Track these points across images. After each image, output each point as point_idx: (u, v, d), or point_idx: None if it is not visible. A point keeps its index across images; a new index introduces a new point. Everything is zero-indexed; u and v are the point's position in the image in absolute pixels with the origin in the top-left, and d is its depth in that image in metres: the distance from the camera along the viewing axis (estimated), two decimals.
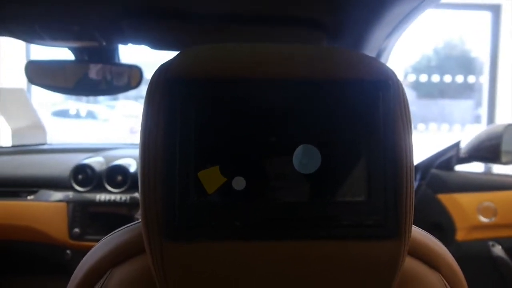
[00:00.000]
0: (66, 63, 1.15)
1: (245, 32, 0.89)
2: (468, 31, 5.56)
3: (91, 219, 1.34)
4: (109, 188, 1.35)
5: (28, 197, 1.39)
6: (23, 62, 1.14)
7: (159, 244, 0.36)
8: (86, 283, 0.45)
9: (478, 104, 5.18)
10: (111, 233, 0.50)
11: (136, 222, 0.49)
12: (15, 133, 2.88)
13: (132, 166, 1.40)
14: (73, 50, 1.15)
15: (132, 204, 1.34)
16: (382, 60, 0.92)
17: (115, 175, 1.36)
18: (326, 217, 0.37)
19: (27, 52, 3.55)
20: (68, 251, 1.37)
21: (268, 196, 0.37)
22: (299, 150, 0.37)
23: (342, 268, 0.38)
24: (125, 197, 1.33)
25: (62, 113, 7.57)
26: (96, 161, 1.41)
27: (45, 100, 6.86)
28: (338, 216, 0.37)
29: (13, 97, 2.87)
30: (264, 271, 0.38)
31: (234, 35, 0.92)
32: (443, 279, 0.46)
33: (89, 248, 1.41)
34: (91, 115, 7.92)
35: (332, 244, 0.37)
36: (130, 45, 1.07)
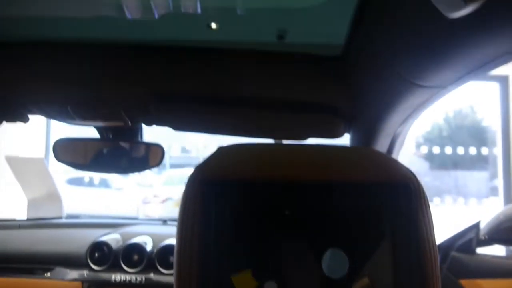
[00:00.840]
0: (91, 142, 1.18)
1: (265, 117, 0.92)
2: (478, 101, 5.65)
3: None
4: (125, 267, 1.32)
5: (45, 275, 1.36)
6: (43, 128, 1.18)
7: None
8: None
9: (493, 176, 5.13)
10: None
11: None
12: (31, 203, 2.90)
13: (149, 244, 1.38)
14: (99, 128, 1.19)
15: (148, 285, 1.31)
16: (398, 143, 0.92)
17: (132, 254, 1.34)
18: None
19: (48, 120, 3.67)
20: None
21: None
22: (327, 254, 0.37)
23: None
24: (140, 277, 1.30)
25: (77, 181, 7.65)
26: (113, 239, 1.40)
27: (61, 167, 6.97)
28: None
29: (32, 167, 2.92)
30: None
31: (254, 119, 0.94)
32: None
33: None
34: (104, 183, 7.98)
35: None
36: (154, 126, 1.10)
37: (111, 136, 1.20)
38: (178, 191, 6.76)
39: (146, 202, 6.64)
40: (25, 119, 1.13)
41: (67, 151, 1.20)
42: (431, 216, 0.39)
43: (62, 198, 2.73)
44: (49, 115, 1.12)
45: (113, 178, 8.43)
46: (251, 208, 0.38)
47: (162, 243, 1.35)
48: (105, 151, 1.21)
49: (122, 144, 1.19)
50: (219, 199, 0.37)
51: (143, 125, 1.20)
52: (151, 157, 1.20)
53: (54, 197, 2.84)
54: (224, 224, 0.37)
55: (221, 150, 0.41)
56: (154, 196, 6.74)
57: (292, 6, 0.68)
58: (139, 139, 1.18)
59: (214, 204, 0.37)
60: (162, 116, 0.98)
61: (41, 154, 3.50)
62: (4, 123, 1.15)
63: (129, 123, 1.11)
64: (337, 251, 0.37)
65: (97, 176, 8.42)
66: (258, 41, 0.82)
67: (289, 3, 0.67)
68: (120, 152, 1.19)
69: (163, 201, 6.38)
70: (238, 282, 0.36)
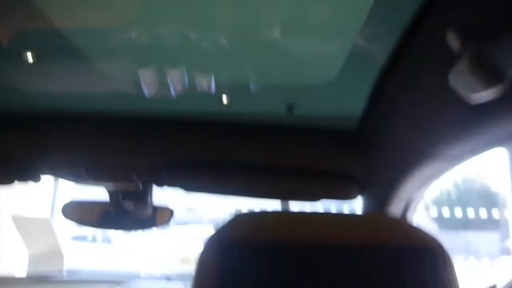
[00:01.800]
0: (101, 204, 1.19)
1: (277, 180, 0.92)
2: (485, 166, 5.63)
3: None
4: None
5: None
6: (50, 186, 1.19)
7: None
8: None
9: (504, 237, 5.01)
10: None
11: None
12: (32, 257, 2.84)
13: None
14: (109, 191, 1.19)
15: None
16: (412, 208, 0.92)
17: None
18: None
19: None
20: None
21: None
22: None
23: None
24: None
25: (81, 238, 7.55)
26: None
27: (66, 225, 6.90)
28: None
29: (38, 226, 2.91)
30: None
31: (266, 183, 0.95)
32: None
33: None
34: (106, 240, 7.86)
35: None
36: (165, 187, 1.10)
37: (121, 197, 1.21)
38: (182, 248, 6.60)
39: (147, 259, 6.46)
40: (37, 180, 1.15)
41: (78, 211, 1.20)
42: (457, 281, 0.37)
43: (63, 254, 2.69)
44: (62, 176, 1.14)
45: (115, 235, 8.31)
46: (269, 272, 0.37)
47: None
48: (112, 210, 1.20)
49: (133, 206, 1.19)
50: (236, 263, 0.37)
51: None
52: (158, 217, 1.20)
53: (55, 252, 2.80)
54: (240, 286, 0.37)
55: (238, 217, 0.41)
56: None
57: (304, 83, 0.70)
58: (149, 201, 1.18)
59: (231, 267, 0.37)
60: (173, 179, 0.99)
61: (48, 211, 3.48)
62: (16, 183, 1.16)
63: (140, 186, 1.12)
64: None
65: (100, 233, 8.32)
66: (269, 113, 0.84)
67: (301, 80, 0.69)
68: (128, 212, 1.19)
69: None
70: None
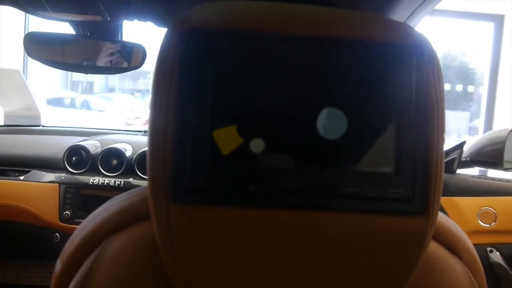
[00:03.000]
0: (67, 38, 1.11)
1: None
2: (468, 42, 5.58)
3: (83, 202, 1.30)
4: (103, 171, 1.31)
5: (20, 177, 1.35)
6: (20, 44, 1.10)
7: (165, 207, 0.33)
8: (79, 253, 0.42)
9: (474, 117, 5.20)
10: (105, 203, 0.46)
11: (136, 189, 0.46)
12: (8, 115, 2.82)
13: (128, 150, 1.36)
14: (74, 25, 1.11)
15: (127, 189, 1.30)
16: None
17: (110, 159, 1.33)
18: (349, 188, 0.34)
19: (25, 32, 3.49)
20: (57, 234, 1.33)
21: (288, 161, 0.33)
22: (324, 113, 0.33)
23: (363, 243, 0.35)
24: (119, 181, 1.29)
25: (57, 102, 7.49)
26: (91, 144, 1.38)
27: (40, 87, 6.79)
28: (363, 187, 0.34)
29: (8, 78, 2.81)
30: (278, 242, 0.34)
31: None
32: (465, 266, 0.43)
33: None
34: (86, 105, 7.84)
35: (354, 217, 0.34)
36: (135, 21, 1.03)
37: (88, 34, 1.13)
38: None
39: (128, 123, 6.58)
40: None
41: (42, 47, 1.12)
42: (442, 86, 0.35)
43: (39, 111, 2.66)
44: (19, 5, 1.04)
45: (95, 100, 8.29)
46: (239, 62, 0.33)
47: (142, 149, 1.34)
48: (82, 49, 1.14)
49: (100, 42, 1.12)
50: (202, 51, 0.33)
51: (124, 23, 1.13)
52: (132, 58, 1.14)
53: (31, 109, 2.77)
54: (206, 78, 0.33)
55: (205, 3, 0.36)
56: (136, 118, 6.67)
57: None
58: (119, 37, 1.11)
59: (196, 55, 0.33)
60: (144, 8, 0.91)
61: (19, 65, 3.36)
62: None
63: (108, 17, 1.04)
64: (335, 111, 0.33)
65: (78, 97, 8.26)
66: None
67: None
68: (98, 51, 1.13)
69: (145, 123, 6.33)
70: (220, 138, 0.33)
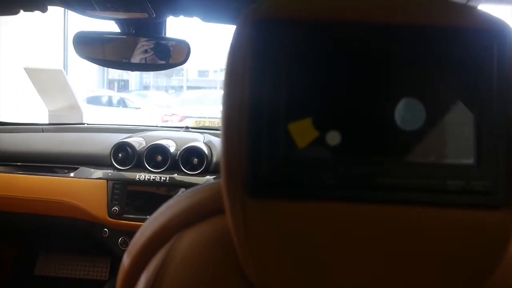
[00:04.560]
0: (113, 36, 1.13)
1: None
2: None
3: (130, 198, 1.32)
4: (148, 167, 1.32)
5: (70, 174, 1.38)
6: (59, 44, 1.13)
7: (241, 201, 0.32)
8: (149, 248, 0.41)
9: None
10: (172, 198, 0.46)
11: (203, 184, 0.45)
12: (52, 114, 2.92)
13: (172, 147, 1.37)
14: (120, 23, 1.13)
15: (172, 185, 1.32)
16: None
17: (155, 155, 1.34)
18: (429, 180, 0.32)
19: (65, 34, 3.59)
20: (105, 229, 1.36)
21: (365, 154, 0.32)
22: (401, 104, 0.31)
23: (443, 239, 0.33)
24: (164, 177, 1.31)
25: (95, 100, 7.71)
26: (136, 141, 1.40)
27: (79, 86, 7.01)
28: (443, 180, 0.32)
29: (52, 78, 2.90)
30: (357, 236, 0.33)
31: None
32: None
33: (126, 227, 1.39)
34: (122, 103, 8.04)
35: (433, 211, 0.32)
36: (181, 17, 1.03)
37: (133, 31, 1.14)
38: (195, 110, 6.78)
39: (164, 120, 6.69)
40: (43, 9, 1.08)
41: (86, 45, 1.15)
42: None
43: (82, 109, 2.74)
44: (69, 5, 1.06)
45: (131, 98, 8.48)
46: (315, 52, 0.32)
47: (186, 145, 1.34)
48: (126, 46, 1.15)
49: (145, 39, 1.13)
50: (276, 42, 0.32)
51: (167, 20, 1.14)
52: (175, 54, 1.14)
53: (74, 107, 2.86)
54: (281, 69, 0.32)
55: None
56: (173, 114, 6.77)
57: None
58: (163, 33, 1.12)
59: (270, 47, 0.32)
60: (189, 4, 0.91)
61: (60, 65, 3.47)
62: (22, 12, 1.09)
63: (153, 14, 1.05)
64: (413, 101, 0.32)
65: (115, 95, 8.46)
66: None
67: None
68: (142, 48, 1.14)
69: (182, 119, 6.42)
70: (296, 131, 0.32)
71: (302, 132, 0.32)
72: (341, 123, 0.32)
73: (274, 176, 0.32)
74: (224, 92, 0.33)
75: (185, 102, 7.79)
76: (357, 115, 0.32)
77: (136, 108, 7.85)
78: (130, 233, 1.35)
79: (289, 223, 0.33)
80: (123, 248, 1.35)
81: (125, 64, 1.20)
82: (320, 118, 0.32)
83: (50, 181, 1.38)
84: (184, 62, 1.16)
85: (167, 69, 1.24)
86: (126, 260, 0.44)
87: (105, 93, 8.32)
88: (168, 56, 1.15)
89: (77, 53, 1.12)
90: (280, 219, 0.33)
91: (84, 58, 1.15)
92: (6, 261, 1.87)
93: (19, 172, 1.42)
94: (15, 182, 1.40)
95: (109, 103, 7.96)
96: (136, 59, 1.15)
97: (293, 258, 0.33)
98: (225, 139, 0.33)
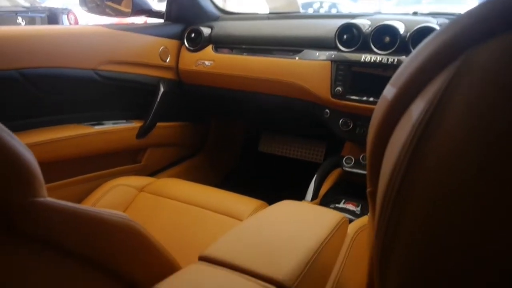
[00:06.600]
0: None
1: None
2: None
3: (354, 79, 1.30)
4: (375, 49, 1.26)
5: (295, 56, 1.43)
6: None
7: None
8: (424, 73, 0.36)
9: None
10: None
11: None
12: (272, 11, 3.06)
13: (401, 28, 1.26)
14: None
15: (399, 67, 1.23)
16: None
17: (382, 36, 1.26)
18: None
19: None
20: (327, 110, 1.39)
21: None
22: None
23: None
24: (392, 59, 1.23)
25: (305, 6, 7.77)
26: (362, 22, 1.33)
27: None
28: None
29: None
30: None
31: None
32: None
33: (348, 108, 1.39)
34: (334, 7, 7.89)
35: None
36: None
37: None
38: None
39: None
40: None
41: None
42: None
43: (300, 8, 2.78)
44: None
45: (342, 2, 8.24)
46: None
47: (417, 26, 1.22)
48: None
49: None
50: None
51: None
52: None
53: (292, 5, 2.92)
54: None
55: None
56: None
57: None
58: None
59: None
60: None
61: None
62: None
63: None
64: None
65: (327, 0, 8.34)
66: None
67: None
68: None
69: None
70: None
71: None
72: None
73: None
74: None
75: (402, 2, 7.18)
76: None
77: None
78: (352, 115, 1.36)
79: None
80: (344, 129, 1.37)
81: None
82: None
83: (275, 62, 1.45)
84: None
85: None
86: (390, 91, 0.41)
87: None
88: None
89: None
90: None
91: None
92: (237, 137, 2.16)
93: (244, 54, 1.53)
94: (241, 62, 1.52)
95: (319, 8, 7.91)
96: None
97: None
98: None
